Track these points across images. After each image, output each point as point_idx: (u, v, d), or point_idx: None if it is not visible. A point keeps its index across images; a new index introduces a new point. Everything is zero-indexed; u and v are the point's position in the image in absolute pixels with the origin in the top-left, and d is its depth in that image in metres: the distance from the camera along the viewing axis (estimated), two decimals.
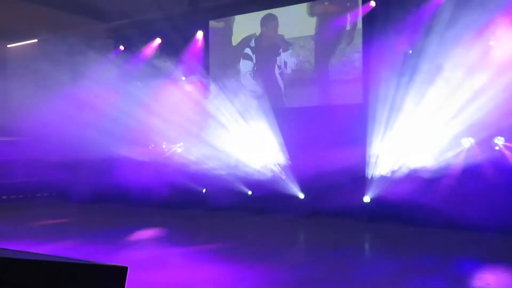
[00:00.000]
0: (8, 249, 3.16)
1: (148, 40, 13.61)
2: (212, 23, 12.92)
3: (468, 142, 8.78)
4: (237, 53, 12.52)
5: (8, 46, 15.26)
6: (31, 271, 2.53)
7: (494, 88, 8.16)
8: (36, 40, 14.35)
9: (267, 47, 12.07)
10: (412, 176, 8.88)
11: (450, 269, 5.97)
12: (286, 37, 11.80)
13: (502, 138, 8.53)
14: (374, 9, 10.52)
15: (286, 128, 10.97)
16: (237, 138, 11.38)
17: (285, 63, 11.78)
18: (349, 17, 10.89)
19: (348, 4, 10.93)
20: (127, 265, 2.77)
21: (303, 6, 11.52)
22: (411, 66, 9.28)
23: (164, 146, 12.69)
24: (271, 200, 10.59)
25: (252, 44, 12.27)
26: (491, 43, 8.72)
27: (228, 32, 12.67)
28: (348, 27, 10.92)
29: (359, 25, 10.76)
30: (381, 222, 9.35)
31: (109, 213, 11.54)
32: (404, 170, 9.12)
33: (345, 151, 9.59)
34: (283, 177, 10.67)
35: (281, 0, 11.75)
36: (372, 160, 9.65)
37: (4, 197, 14.04)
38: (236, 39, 12.56)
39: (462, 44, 8.58)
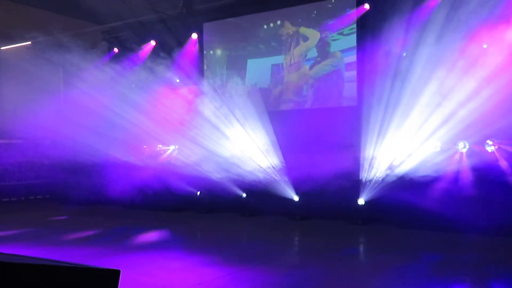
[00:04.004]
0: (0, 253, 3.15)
1: (142, 42, 13.60)
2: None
3: (461, 145, 8.81)
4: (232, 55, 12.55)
5: (2, 48, 15.20)
6: (23, 275, 2.52)
7: (488, 91, 8.19)
8: (29, 43, 14.29)
9: (262, 50, 12.10)
10: (406, 179, 8.90)
11: (445, 271, 5.97)
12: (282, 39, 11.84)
13: (496, 141, 8.56)
14: (368, 11, 10.54)
15: (281, 131, 10.98)
16: (232, 140, 11.38)
17: (281, 65, 11.79)
18: (343, 20, 10.92)
19: (342, 7, 10.95)
20: (119, 268, 2.76)
21: (299, 9, 11.54)
22: (405, 69, 9.30)
23: (158, 149, 12.68)
24: (265, 202, 10.59)
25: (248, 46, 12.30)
26: (485, 46, 8.76)
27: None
28: (342, 30, 10.94)
29: (354, 27, 10.78)
30: (375, 224, 9.37)
31: (102, 216, 11.50)
32: (398, 173, 9.13)
33: (339, 154, 9.62)
34: (278, 179, 10.67)
35: (274, 4, 11.75)
36: (366, 162, 9.67)
37: None
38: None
39: (456, 47, 8.62)
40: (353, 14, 10.75)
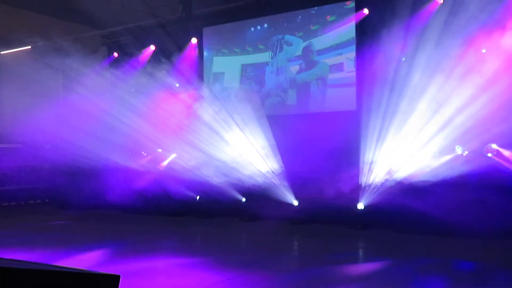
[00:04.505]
0: None
1: (142, 47, 13.63)
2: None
3: (460, 149, 8.82)
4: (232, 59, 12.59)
5: (2, 52, 15.22)
6: (22, 280, 2.52)
7: (487, 96, 8.21)
8: (29, 47, 14.33)
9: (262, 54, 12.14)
10: (406, 183, 8.90)
11: (443, 275, 5.97)
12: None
13: (494, 145, 8.58)
14: (367, 16, 10.57)
15: (280, 135, 10.98)
16: (231, 144, 11.38)
17: (280, 70, 11.81)
18: (342, 25, 10.95)
19: (342, 12, 10.99)
20: (119, 274, 2.76)
21: (297, 14, 11.59)
22: (404, 74, 9.32)
23: (158, 153, 12.67)
24: (265, 207, 10.57)
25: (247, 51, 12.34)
26: (484, 50, 8.78)
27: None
28: (341, 35, 10.98)
29: (353, 32, 10.81)
30: (375, 228, 9.36)
31: (101, 220, 11.48)
32: (398, 177, 9.14)
33: (339, 158, 9.62)
34: (277, 183, 10.66)
35: (273, 8, 11.80)
36: (366, 167, 9.67)
37: None
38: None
39: (454, 52, 8.64)
40: (352, 19, 10.78)
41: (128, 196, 11.35)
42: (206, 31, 12.94)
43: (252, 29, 12.18)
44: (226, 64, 12.64)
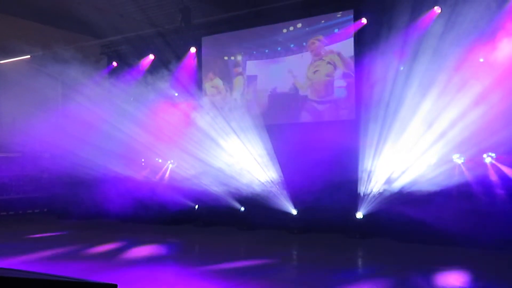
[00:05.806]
0: None
1: (141, 56, 13.66)
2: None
3: (459, 159, 8.84)
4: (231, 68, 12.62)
5: (1, 62, 15.26)
6: None
7: (484, 105, 8.24)
8: (29, 56, 14.36)
9: (261, 64, 12.17)
10: (404, 193, 8.90)
11: (443, 284, 5.96)
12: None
13: (493, 154, 8.60)
14: (365, 26, 10.62)
15: (279, 144, 10.98)
16: (230, 153, 11.38)
17: (280, 78, 11.85)
18: (341, 34, 11.00)
19: (339, 21, 11.04)
20: (117, 283, 2.76)
21: (297, 23, 11.64)
22: (403, 83, 9.35)
23: (156, 162, 12.67)
24: (263, 216, 10.56)
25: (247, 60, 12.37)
26: (481, 60, 8.81)
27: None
28: (339, 44, 11.02)
29: (351, 41, 10.85)
30: (373, 238, 9.35)
31: (100, 229, 11.46)
32: (396, 187, 9.13)
33: (337, 167, 9.62)
34: (276, 192, 10.65)
35: (271, 18, 11.84)
36: (365, 176, 9.67)
37: None
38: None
39: (452, 61, 8.67)
40: (351, 28, 10.83)
41: (127, 205, 11.33)
42: (205, 40, 12.98)
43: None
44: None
